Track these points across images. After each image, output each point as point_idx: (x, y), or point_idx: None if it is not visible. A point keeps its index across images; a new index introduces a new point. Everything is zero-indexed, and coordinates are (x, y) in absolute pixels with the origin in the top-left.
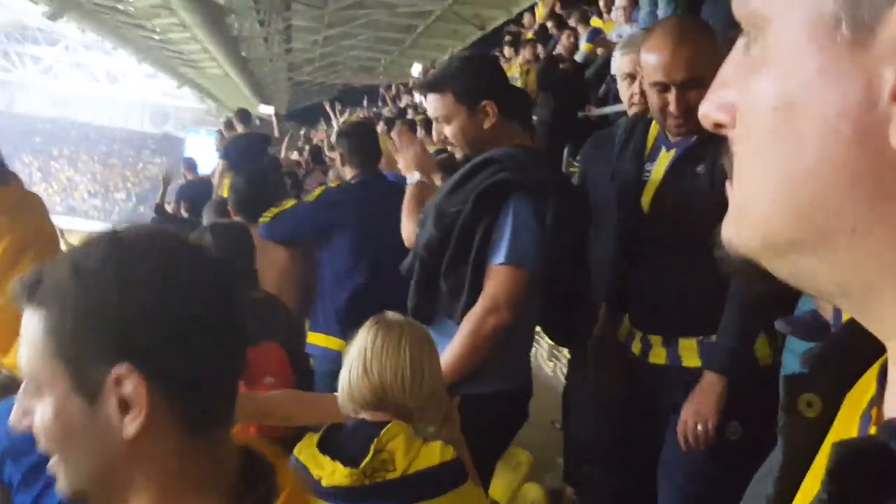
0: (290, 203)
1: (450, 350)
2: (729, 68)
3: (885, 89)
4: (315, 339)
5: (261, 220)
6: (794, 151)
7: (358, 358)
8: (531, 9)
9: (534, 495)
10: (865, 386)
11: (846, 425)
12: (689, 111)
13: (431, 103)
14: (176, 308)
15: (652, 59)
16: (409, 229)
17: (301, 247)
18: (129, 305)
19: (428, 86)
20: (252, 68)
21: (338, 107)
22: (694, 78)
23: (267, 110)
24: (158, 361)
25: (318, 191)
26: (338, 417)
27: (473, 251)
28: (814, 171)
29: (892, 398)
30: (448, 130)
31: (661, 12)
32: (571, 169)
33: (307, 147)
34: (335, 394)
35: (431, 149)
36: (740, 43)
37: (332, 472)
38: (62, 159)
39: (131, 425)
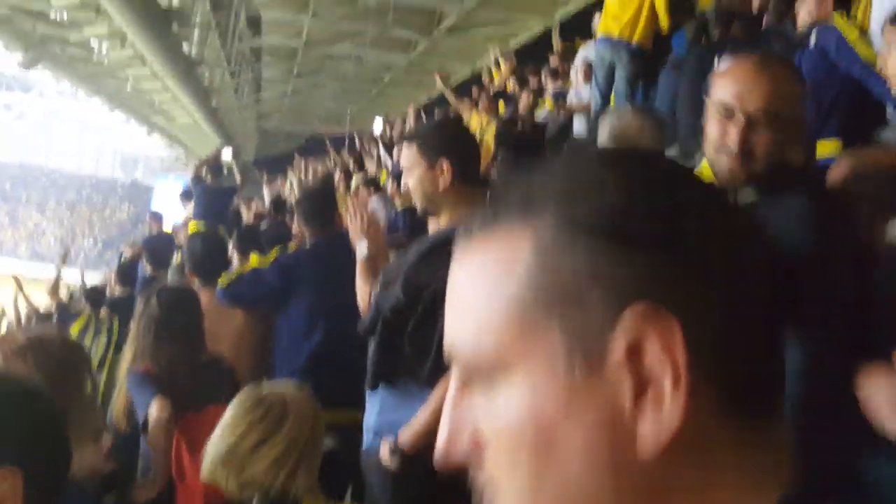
0: (249, 265)
1: (424, 411)
2: (458, 412)
3: (626, 401)
4: None
5: (219, 282)
6: (562, 469)
7: (259, 439)
8: (496, 63)
9: None
10: None
11: None
12: (748, 153)
13: (402, 153)
14: (37, 425)
15: (726, 85)
16: (364, 301)
17: (258, 309)
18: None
19: (403, 136)
20: (221, 117)
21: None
22: (768, 112)
23: (226, 154)
24: (30, 466)
25: (272, 253)
26: None
27: (442, 318)
28: (584, 481)
29: None
30: (410, 181)
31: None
32: None
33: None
34: None
35: (399, 204)
36: (457, 386)
37: None
38: (30, 205)
39: None
